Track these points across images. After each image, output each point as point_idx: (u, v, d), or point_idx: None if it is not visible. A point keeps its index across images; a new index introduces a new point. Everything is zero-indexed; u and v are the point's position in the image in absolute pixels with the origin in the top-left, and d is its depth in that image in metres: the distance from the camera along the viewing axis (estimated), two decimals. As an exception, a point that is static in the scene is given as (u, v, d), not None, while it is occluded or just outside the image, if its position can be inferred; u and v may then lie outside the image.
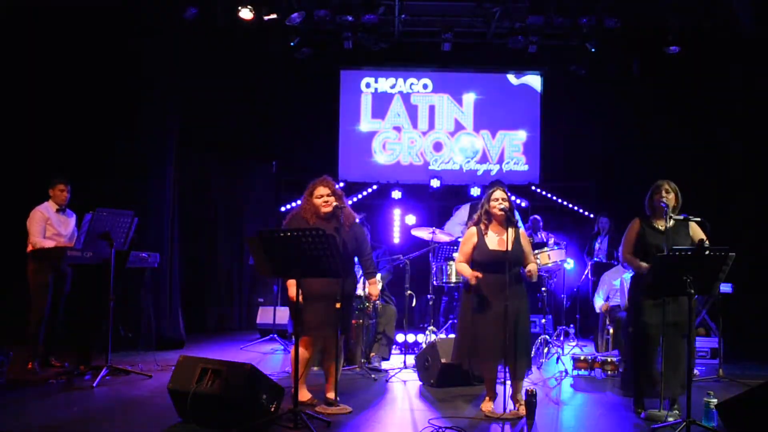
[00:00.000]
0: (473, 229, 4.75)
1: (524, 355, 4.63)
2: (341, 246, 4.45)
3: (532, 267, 4.61)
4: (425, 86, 9.86)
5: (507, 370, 4.50)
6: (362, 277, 5.33)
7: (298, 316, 4.38)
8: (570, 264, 8.26)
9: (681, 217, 4.65)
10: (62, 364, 5.98)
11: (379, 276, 6.90)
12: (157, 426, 4.24)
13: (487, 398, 4.74)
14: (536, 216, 8.56)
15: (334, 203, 4.65)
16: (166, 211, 7.51)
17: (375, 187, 9.63)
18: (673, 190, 4.67)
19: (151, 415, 4.54)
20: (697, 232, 4.68)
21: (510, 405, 4.53)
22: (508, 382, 4.52)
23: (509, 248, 4.49)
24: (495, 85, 9.89)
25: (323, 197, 4.65)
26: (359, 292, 5.69)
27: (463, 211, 7.32)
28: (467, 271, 4.63)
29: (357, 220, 4.87)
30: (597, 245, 8.61)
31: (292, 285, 4.59)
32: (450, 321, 7.41)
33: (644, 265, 4.60)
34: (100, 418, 4.53)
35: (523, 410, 4.45)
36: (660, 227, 4.66)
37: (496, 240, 4.65)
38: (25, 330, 5.83)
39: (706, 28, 8.02)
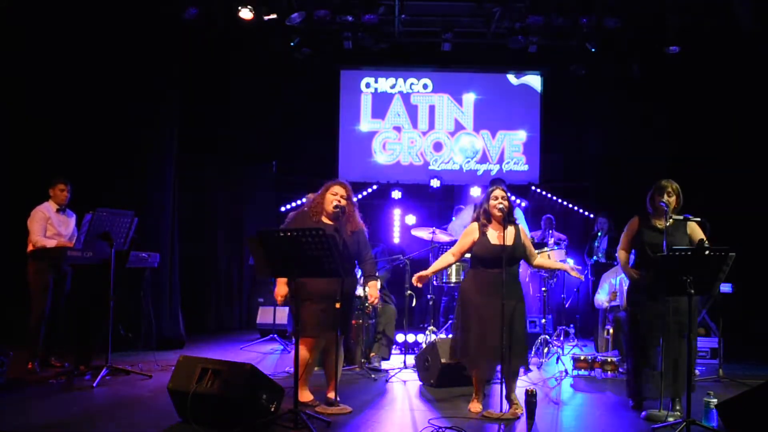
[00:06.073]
0: (474, 224, 4.79)
1: (518, 356, 4.62)
2: (341, 246, 4.45)
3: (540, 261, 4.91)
4: (425, 86, 9.86)
5: (501, 369, 4.52)
6: (362, 278, 5.34)
7: (297, 316, 4.38)
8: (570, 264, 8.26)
9: (681, 217, 4.66)
10: (62, 364, 5.99)
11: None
12: (157, 426, 4.24)
13: (475, 399, 4.74)
14: (550, 215, 8.57)
15: (342, 202, 4.68)
16: (166, 211, 7.51)
17: (375, 187, 9.63)
18: (675, 192, 4.69)
19: (151, 415, 4.54)
20: (696, 231, 4.69)
21: (506, 405, 4.53)
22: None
23: (506, 244, 4.52)
24: (495, 85, 9.88)
25: (337, 195, 4.70)
26: (359, 292, 5.69)
27: (467, 212, 7.28)
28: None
29: (363, 229, 4.88)
30: (596, 245, 8.61)
31: (281, 283, 4.61)
32: (450, 321, 7.41)
33: (634, 273, 4.76)
34: (100, 418, 4.53)
35: (518, 410, 4.47)
36: (659, 226, 4.67)
37: (496, 236, 4.69)
38: (25, 330, 5.83)
39: (706, 28, 8.02)
